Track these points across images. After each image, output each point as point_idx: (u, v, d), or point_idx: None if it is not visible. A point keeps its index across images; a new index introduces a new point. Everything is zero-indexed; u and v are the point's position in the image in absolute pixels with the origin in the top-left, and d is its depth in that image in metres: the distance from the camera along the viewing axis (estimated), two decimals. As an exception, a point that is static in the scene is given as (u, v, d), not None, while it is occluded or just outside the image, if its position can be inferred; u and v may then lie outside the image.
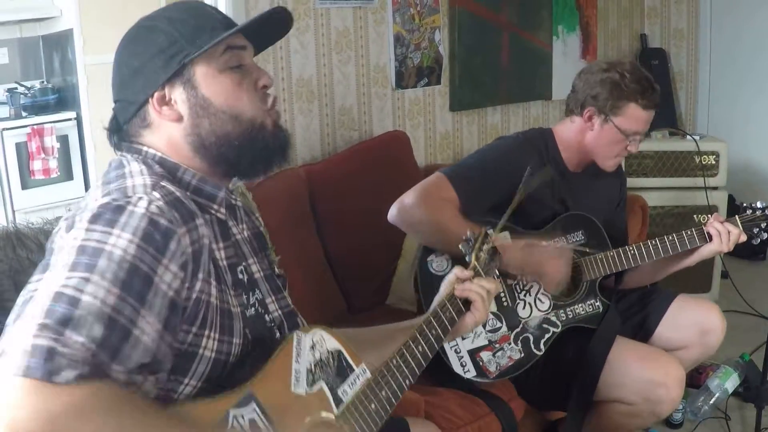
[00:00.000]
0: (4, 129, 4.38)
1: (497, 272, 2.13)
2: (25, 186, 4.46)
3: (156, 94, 1.20)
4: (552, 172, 2.22)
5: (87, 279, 0.97)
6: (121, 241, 1.01)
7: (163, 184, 1.13)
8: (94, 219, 1.04)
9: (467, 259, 1.64)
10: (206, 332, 1.13)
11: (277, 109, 1.29)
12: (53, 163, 4.51)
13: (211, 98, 1.21)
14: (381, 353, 1.43)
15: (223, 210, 1.24)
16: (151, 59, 1.20)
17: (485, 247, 1.66)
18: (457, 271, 1.59)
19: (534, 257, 2.05)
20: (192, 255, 1.09)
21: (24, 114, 4.58)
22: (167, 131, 1.22)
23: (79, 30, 4.54)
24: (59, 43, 4.76)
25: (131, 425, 0.91)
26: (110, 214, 1.04)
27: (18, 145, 4.41)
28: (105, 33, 4.40)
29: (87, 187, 4.63)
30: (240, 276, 1.24)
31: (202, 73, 1.21)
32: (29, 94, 4.71)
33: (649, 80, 2.22)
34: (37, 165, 4.45)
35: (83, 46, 4.55)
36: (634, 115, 2.20)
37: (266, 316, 1.28)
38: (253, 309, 1.24)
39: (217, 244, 1.21)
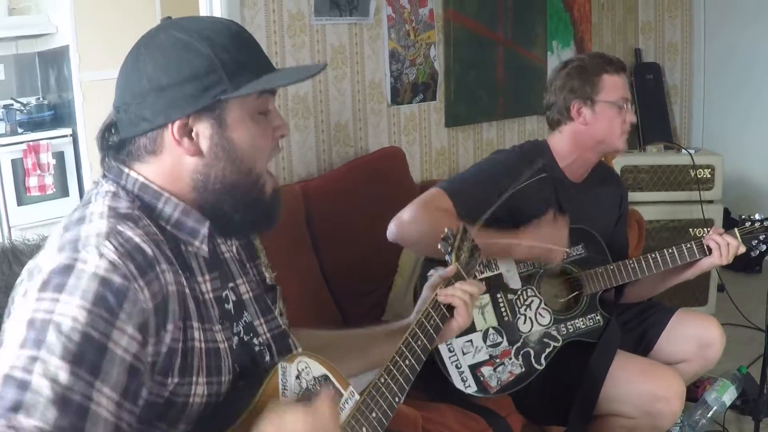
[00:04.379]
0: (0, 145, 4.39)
1: (499, 288, 2.14)
2: (20, 202, 4.46)
3: (178, 122, 1.10)
4: (547, 183, 2.24)
5: (35, 357, 0.91)
6: (70, 309, 0.94)
7: (120, 229, 1.03)
8: (44, 286, 0.97)
9: (447, 259, 1.56)
10: (194, 379, 1.08)
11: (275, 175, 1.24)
12: (49, 180, 4.51)
13: (236, 142, 1.13)
14: (366, 359, 1.41)
15: (205, 248, 1.15)
16: (183, 82, 1.09)
17: (465, 245, 1.59)
18: (441, 273, 1.53)
19: (519, 240, 2.05)
20: (154, 310, 1.01)
21: (20, 130, 4.60)
22: (176, 161, 1.13)
23: (75, 47, 4.55)
24: (55, 60, 4.77)
25: None
26: (58, 277, 0.97)
27: (14, 162, 4.41)
28: (101, 50, 4.43)
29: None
30: (227, 306, 1.18)
31: (234, 115, 1.12)
32: (25, 111, 4.72)
33: (603, 53, 2.36)
34: (32, 181, 4.45)
35: (79, 63, 4.56)
36: (612, 83, 2.26)
37: (255, 339, 1.23)
38: (237, 338, 1.18)
39: (202, 277, 1.14)
